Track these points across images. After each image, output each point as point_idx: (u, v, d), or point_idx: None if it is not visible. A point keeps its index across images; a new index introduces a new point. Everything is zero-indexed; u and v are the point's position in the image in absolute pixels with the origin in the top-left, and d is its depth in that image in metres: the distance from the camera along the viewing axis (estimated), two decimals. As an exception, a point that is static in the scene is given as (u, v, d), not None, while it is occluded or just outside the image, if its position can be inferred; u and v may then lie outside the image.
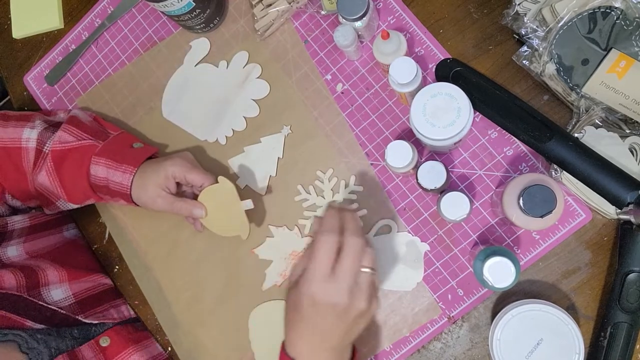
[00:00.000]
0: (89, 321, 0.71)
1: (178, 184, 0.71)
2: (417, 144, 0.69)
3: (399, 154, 0.62)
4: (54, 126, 0.74)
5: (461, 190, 0.62)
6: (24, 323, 0.64)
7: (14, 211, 0.78)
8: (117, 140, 0.73)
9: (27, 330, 0.64)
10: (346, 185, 0.72)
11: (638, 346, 0.62)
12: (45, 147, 0.72)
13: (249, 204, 0.68)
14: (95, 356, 0.68)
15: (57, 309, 0.68)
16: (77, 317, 0.70)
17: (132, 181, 0.69)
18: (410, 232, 0.70)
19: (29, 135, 0.72)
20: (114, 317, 0.76)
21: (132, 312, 0.79)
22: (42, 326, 0.66)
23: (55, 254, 0.76)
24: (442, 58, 0.70)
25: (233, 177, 0.76)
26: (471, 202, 0.62)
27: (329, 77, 0.75)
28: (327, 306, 0.51)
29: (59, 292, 0.72)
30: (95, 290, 0.76)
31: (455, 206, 0.60)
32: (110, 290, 0.79)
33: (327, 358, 0.54)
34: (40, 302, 0.67)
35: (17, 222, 0.74)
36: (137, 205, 0.72)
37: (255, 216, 0.75)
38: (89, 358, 0.68)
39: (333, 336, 0.53)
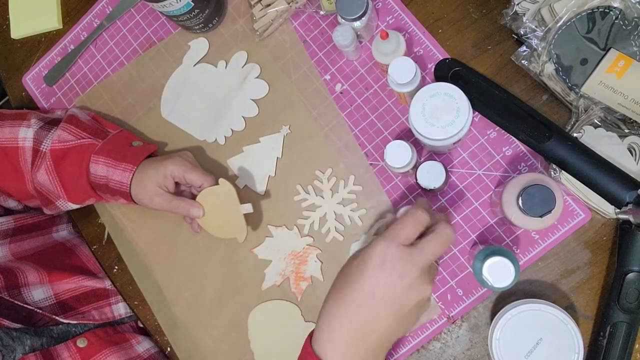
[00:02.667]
0: (68, 321, 0.72)
1: (177, 184, 0.71)
2: (416, 144, 0.69)
3: (398, 154, 0.62)
4: (50, 124, 0.74)
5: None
6: (1, 322, 0.65)
7: (8, 212, 0.78)
8: (116, 139, 0.73)
9: (3, 328, 0.65)
10: (345, 185, 0.72)
11: (637, 346, 0.62)
12: (43, 146, 0.72)
13: (248, 207, 0.68)
14: (71, 356, 0.69)
15: (34, 308, 0.69)
16: (55, 317, 0.71)
17: (131, 179, 0.69)
18: (409, 232, 0.70)
19: (25, 134, 0.72)
20: (95, 319, 0.76)
21: (116, 314, 0.80)
22: (18, 325, 0.67)
23: (39, 255, 0.77)
24: (441, 58, 0.70)
25: (232, 177, 0.76)
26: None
27: (328, 77, 0.75)
28: (394, 274, 0.46)
29: (39, 292, 0.72)
30: (77, 291, 0.77)
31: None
32: (93, 292, 0.79)
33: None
34: (17, 302, 0.68)
35: (1, 223, 0.74)
36: (137, 204, 0.72)
37: (254, 216, 0.75)
38: (65, 358, 0.68)
39: (380, 324, 0.47)
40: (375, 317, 0.47)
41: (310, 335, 0.50)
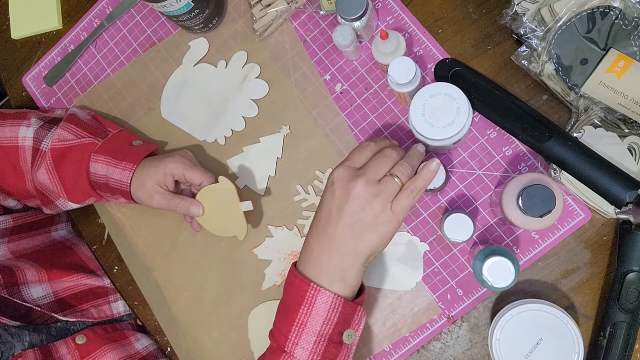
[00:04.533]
0: (66, 319, 0.72)
1: (177, 183, 0.71)
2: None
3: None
4: (50, 123, 0.74)
5: (464, 212, 0.62)
6: (0, 320, 0.65)
7: (7, 212, 0.78)
8: (116, 138, 0.73)
9: (2, 325, 0.66)
10: (345, 186, 0.72)
11: (638, 346, 0.62)
12: (43, 146, 0.72)
13: (248, 205, 0.68)
14: (70, 353, 0.69)
15: (33, 306, 0.70)
16: (54, 315, 0.72)
17: (131, 178, 0.69)
18: (409, 232, 0.70)
19: (26, 134, 0.72)
20: (94, 317, 0.77)
21: (115, 313, 0.80)
22: (17, 323, 0.67)
23: (38, 254, 0.78)
24: (441, 58, 0.70)
25: (232, 178, 0.76)
26: (474, 223, 0.62)
27: (328, 77, 0.75)
28: (341, 189, 0.54)
29: (38, 290, 0.73)
30: (76, 289, 0.77)
31: (459, 228, 0.61)
32: (92, 291, 0.79)
33: (334, 271, 0.54)
34: (16, 300, 0.69)
35: (0, 222, 0.75)
36: (137, 203, 0.72)
37: (255, 216, 0.75)
38: (63, 354, 0.69)
39: (336, 234, 0.53)
40: (333, 230, 0.54)
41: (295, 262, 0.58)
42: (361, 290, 0.58)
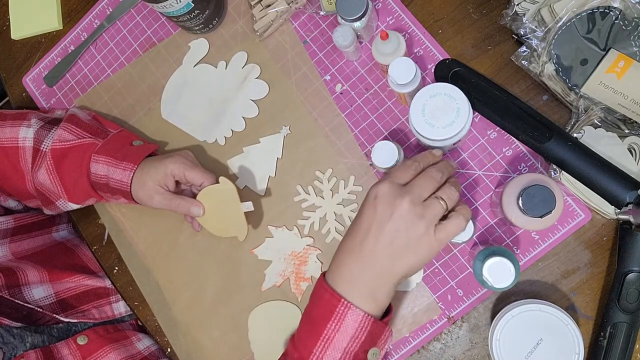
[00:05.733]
0: (68, 320, 0.72)
1: (177, 183, 0.71)
2: (403, 143, 0.69)
3: (385, 154, 0.62)
4: (50, 123, 0.74)
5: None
6: (1, 321, 0.65)
7: (8, 212, 0.78)
8: (116, 138, 0.73)
9: (4, 326, 0.66)
10: (345, 186, 0.72)
11: (637, 346, 0.62)
12: (43, 146, 0.72)
13: (249, 205, 0.68)
14: (71, 353, 0.69)
15: (34, 307, 0.70)
16: (56, 315, 0.71)
17: (132, 178, 0.69)
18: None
19: (26, 134, 0.72)
20: (95, 317, 0.77)
21: (116, 313, 0.80)
22: (19, 324, 0.67)
23: (39, 255, 0.78)
24: (441, 58, 0.70)
25: (232, 178, 0.76)
26: (474, 224, 0.61)
27: (328, 77, 0.75)
28: (385, 205, 0.51)
29: (39, 291, 0.73)
30: (77, 290, 0.77)
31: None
32: (93, 291, 0.79)
33: (365, 288, 0.52)
34: (17, 301, 0.69)
35: (1, 223, 0.74)
36: (137, 203, 0.72)
37: (255, 216, 0.75)
38: (65, 355, 0.69)
39: (377, 254, 0.51)
40: (372, 248, 0.52)
41: (324, 273, 0.56)
42: (388, 309, 0.56)
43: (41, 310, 0.70)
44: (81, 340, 0.71)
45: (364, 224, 0.53)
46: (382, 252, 0.52)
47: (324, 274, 0.56)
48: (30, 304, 0.70)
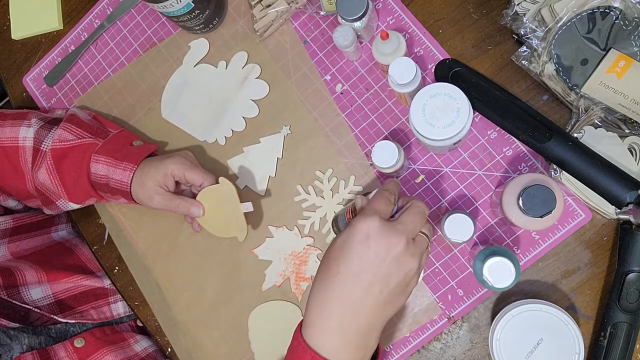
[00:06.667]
0: (66, 320, 0.72)
1: (177, 183, 0.71)
2: (403, 142, 0.69)
3: (385, 154, 0.62)
4: (50, 123, 0.74)
5: (464, 212, 0.61)
6: None
7: (7, 212, 0.78)
8: (117, 139, 0.73)
9: (1, 327, 0.65)
10: (346, 186, 0.72)
11: (638, 346, 0.62)
12: (43, 146, 0.72)
13: (248, 206, 0.68)
14: (68, 356, 0.69)
15: (32, 308, 0.70)
16: (54, 316, 0.71)
17: (132, 178, 0.69)
18: (409, 233, 0.70)
19: (26, 134, 0.72)
20: (93, 318, 0.77)
21: (114, 314, 0.80)
22: (16, 325, 0.67)
23: (38, 255, 0.77)
24: (442, 58, 0.70)
25: (232, 178, 0.76)
26: (474, 224, 0.61)
27: (328, 77, 0.75)
28: (380, 246, 0.46)
29: (37, 291, 0.73)
30: (76, 290, 0.77)
31: (459, 228, 0.60)
32: (92, 292, 0.79)
33: (354, 340, 0.47)
34: (15, 302, 0.68)
35: (0, 223, 0.74)
36: (137, 203, 0.72)
37: (255, 216, 0.75)
38: (61, 357, 0.69)
39: (368, 302, 0.46)
40: (364, 295, 0.47)
41: (301, 324, 0.49)
42: (376, 352, 0.52)
43: (39, 310, 0.70)
44: (78, 342, 0.71)
45: (353, 268, 0.46)
46: (377, 300, 0.47)
47: (300, 327, 0.49)
48: (28, 304, 0.70)
